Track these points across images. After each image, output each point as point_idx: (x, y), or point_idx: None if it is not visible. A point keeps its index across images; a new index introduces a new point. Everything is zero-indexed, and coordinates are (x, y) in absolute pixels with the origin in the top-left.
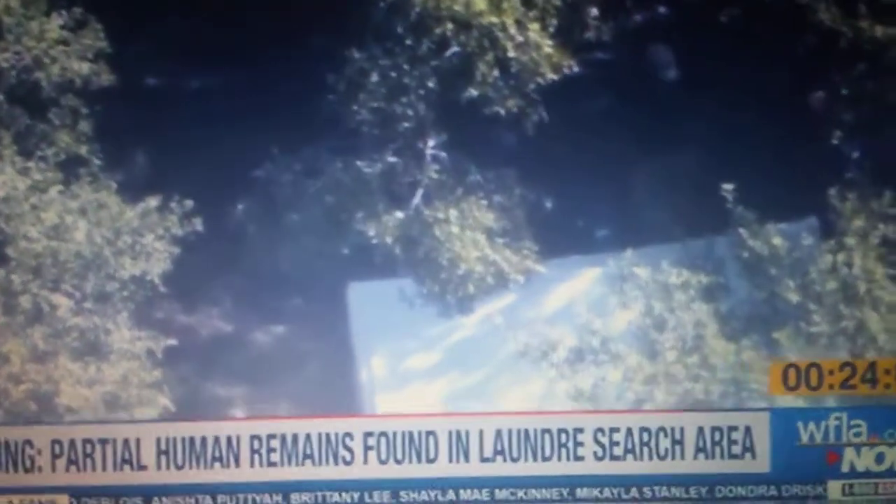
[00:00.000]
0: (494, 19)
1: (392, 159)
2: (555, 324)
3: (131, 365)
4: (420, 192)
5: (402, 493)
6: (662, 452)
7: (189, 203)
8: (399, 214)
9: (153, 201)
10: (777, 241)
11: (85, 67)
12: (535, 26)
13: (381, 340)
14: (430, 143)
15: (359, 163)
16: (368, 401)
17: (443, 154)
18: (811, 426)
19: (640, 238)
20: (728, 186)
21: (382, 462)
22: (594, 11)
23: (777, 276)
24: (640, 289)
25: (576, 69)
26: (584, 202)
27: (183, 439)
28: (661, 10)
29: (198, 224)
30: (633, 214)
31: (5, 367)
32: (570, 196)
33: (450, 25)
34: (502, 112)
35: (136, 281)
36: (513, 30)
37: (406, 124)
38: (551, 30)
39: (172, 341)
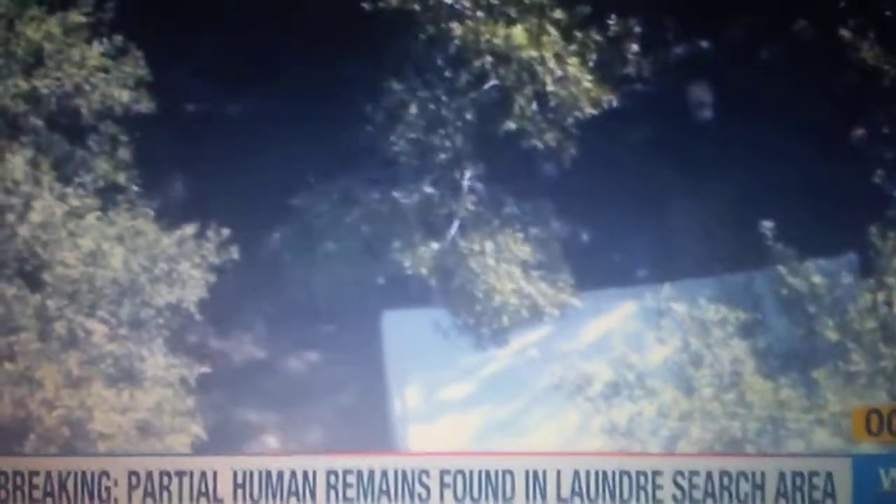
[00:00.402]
0: (534, 53)
1: (429, 190)
2: (590, 357)
3: (165, 392)
4: (456, 224)
5: None
6: (742, 497)
7: (226, 231)
8: (435, 245)
9: (190, 229)
10: (816, 278)
11: (125, 95)
12: (574, 61)
13: (414, 370)
14: (467, 174)
15: (395, 193)
16: (402, 431)
17: (479, 186)
18: (892, 472)
19: (678, 273)
20: (768, 224)
21: (458, 500)
22: (634, 47)
23: (816, 313)
24: (677, 324)
25: (615, 104)
26: (622, 236)
27: (259, 473)
28: (703, 45)
29: (234, 252)
30: (671, 249)
31: (39, 392)
32: (608, 230)
33: (489, 58)
34: (540, 145)
35: (171, 308)
36: (552, 64)
37: (443, 156)
38: (591, 64)
39: (206, 369)
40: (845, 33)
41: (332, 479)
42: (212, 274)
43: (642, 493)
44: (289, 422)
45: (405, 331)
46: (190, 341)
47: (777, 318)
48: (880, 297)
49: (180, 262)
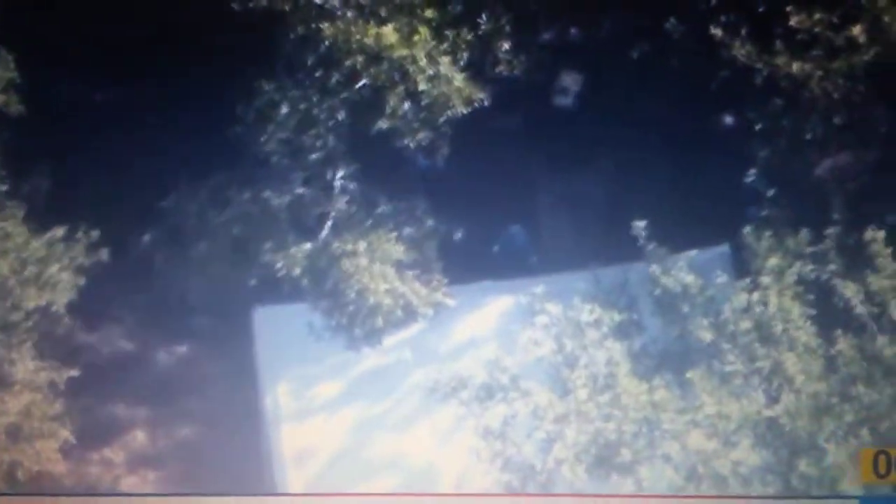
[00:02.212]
0: (405, 52)
1: (300, 190)
2: (464, 358)
3: (34, 396)
4: (329, 224)
5: None
6: None
7: (95, 233)
8: (307, 246)
9: (59, 231)
10: (689, 278)
11: None
12: (445, 59)
13: (286, 367)
14: (340, 174)
15: (267, 193)
16: (274, 427)
17: (352, 185)
18: None
19: (552, 271)
20: (640, 223)
21: None
22: (506, 45)
23: (689, 314)
24: (551, 325)
25: (487, 102)
26: (496, 234)
27: None
28: (574, 42)
29: (104, 254)
30: (544, 247)
31: None
32: (482, 228)
33: (360, 58)
34: (412, 145)
35: (40, 311)
36: (423, 63)
37: (315, 155)
38: (462, 63)
39: (75, 372)
40: (717, 31)
41: None
42: (81, 276)
43: None
44: (158, 417)
45: (277, 327)
46: (59, 344)
47: (652, 318)
48: (755, 297)
49: (50, 265)
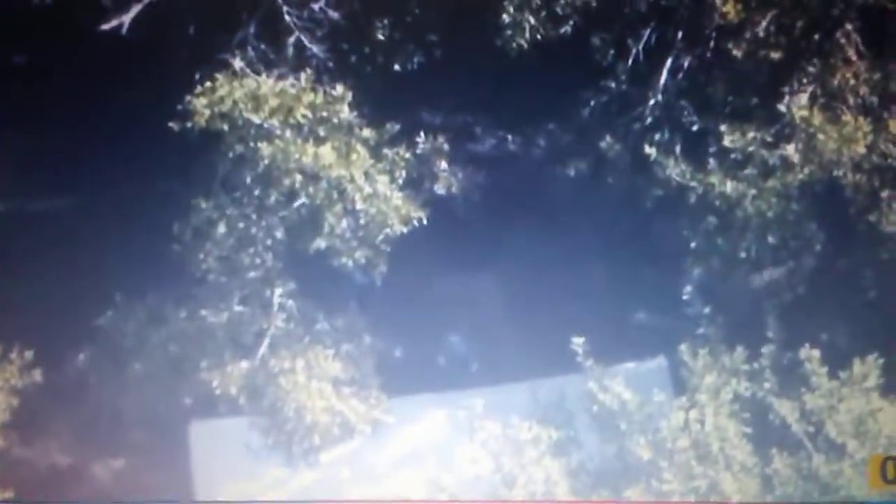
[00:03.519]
0: (343, 171)
1: (238, 308)
2: (403, 475)
3: None
4: (266, 342)
5: None
6: None
7: (29, 353)
8: (244, 364)
9: None
10: (627, 395)
11: None
12: (383, 178)
13: (223, 482)
14: (278, 291)
15: (203, 312)
16: None
17: (290, 302)
18: None
19: (493, 380)
20: (578, 340)
21: None
22: (443, 164)
23: (627, 430)
24: (489, 444)
25: (425, 221)
26: (434, 349)
27: None
28: (512, 158)
29: (37, 375)
30: (486, 357)
31: None
32: (422, 340)
33: (298, 177)
34: (350, 263)
35: None
36: (361, 181)
37: (253, 273)
38: (400, 181)
39: (9, 494)
40: (651, 150)
41: None
42: (14, 397)
43: None
44: None
45: (214, 443)
46: None
47: (589, 434)
48: (692, 414)
49: None
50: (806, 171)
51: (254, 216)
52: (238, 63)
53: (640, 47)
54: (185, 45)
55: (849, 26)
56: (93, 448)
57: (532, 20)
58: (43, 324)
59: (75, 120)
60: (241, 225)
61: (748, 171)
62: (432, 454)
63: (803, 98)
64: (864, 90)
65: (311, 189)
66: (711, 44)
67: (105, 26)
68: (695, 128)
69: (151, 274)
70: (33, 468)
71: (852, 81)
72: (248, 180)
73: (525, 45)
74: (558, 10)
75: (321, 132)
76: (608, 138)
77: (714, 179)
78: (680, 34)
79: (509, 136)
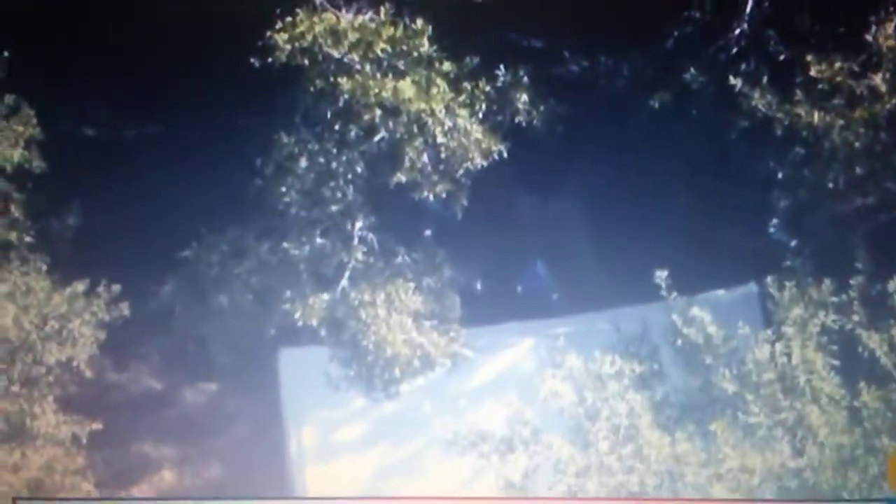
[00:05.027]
0: (423, 105)
1: (319, 241)
2: (484, 409)
3: (56, 451)
4: (347, 275)
5: None
6: None
7: (116, 287)
8: (325, 296)
9: (80, 286)
10: (712, 329)
11: (17, 154)
12: (463, 112)
13: (309, 409)
14: (358, 225)
15: (285, 244)
16: (298, 471)
17: (371, 236)
18: None
19: (575, 308)
20: (661, 273)
21: None
22: (524, 97)
23: (713, 364)
24: (572, 378)
25: (506, 154)
26: (514, 283)
27: None
28: (592, 94)
29: (125, 308)
30: (567, 284)
31: None
32: (502, 271)
33: (378, 111)
34: (431, 197)
35: (62, 366)
36: (441, 115)
37: (334, 207)
38: (480, 115)
39: (97, 425)
40: (736, 81)
41: None
42: (102, 331)
43: None
44: (185, 457)
45: (299, 371)
46: (81, 398)
47: (673, 367)
48: (778, 347)
49: (71, 320)
50: (894, 100)
51: (334, 150)
52: None
53: None
54: None
55: None
56: (182, 374)
57: None
58: (129, 257)
59: (162, 52)
60: (321, 159)
61: (835, 101)
62: (514, 386)
63: (890, 28)
64: None
65: (390, 123)
66: None
67: None
68: (781, 58)
69: (234, 207)
70: (124, 393)
71: None
72: (329, 115)
73: None
74: None
75: (401, 66)
76: (692, 70)
77: (801, 110)
78: None
79: (592, 67)
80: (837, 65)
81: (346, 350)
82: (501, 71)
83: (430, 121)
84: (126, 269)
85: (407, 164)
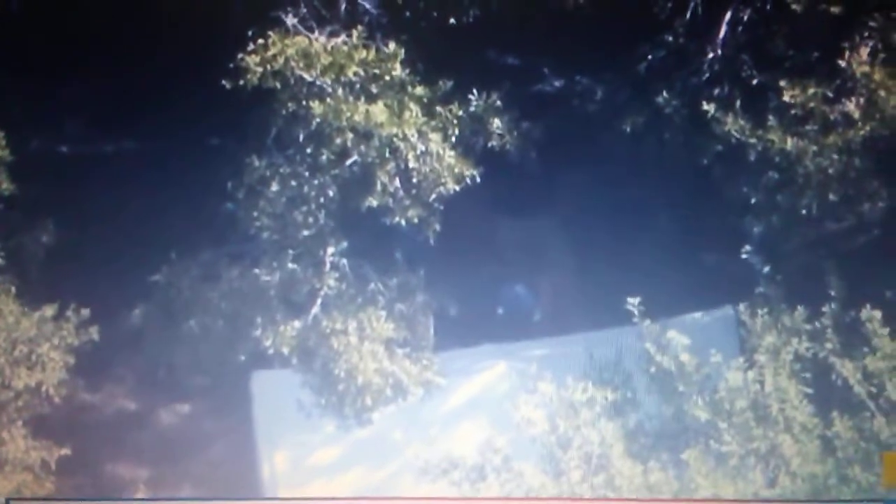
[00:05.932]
0: (395, 129)
1: (291, 266)
2: (456, 436)
3: (24, 477)
4: (319, 302)
5: None
6: None
7: (85, 311)
8: (297, 324)
9: (49, 310)
10: (685, 356)
11: None
12: (436, 137)
13: (283, 434)
14: (330, 250)
15: (257, 270)
16: (272, 495)
17: (343, 261)
18: None
19: (545, 347)
20: (633, 300)
21: None
22: (497, 122)
23: (685, 392)
24: (544, 405)
25: (478, 179)
26: (489, 309)
27: None
28: (566, 118)
29: (94, 333)
30: (543, 316)
31: None
32: (474, 303)
33: (350, 135)
34: (403, 222)
35: (30, 391)
36: (414, 140)
37: (306, 232)
38: (453, 139)
39: (66, 451)
40: (709, 106)
41: None
42: (71, 355)
43: None
44: (160, 477)
45: (269, 396)
46: (50, 423)
47: (646, 395)
48: (751, 375)
49: (40, 344)
50: (868, 127)
51: (306, 174)
52: (290, 20)
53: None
54: (238, 1)
55: None
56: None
57: None
58: (99, 281)
59: (133, 74)
60: (293, 183)
61: (809, 126)
62: (486, 412)
63: (864, 53)
64: None
65: (363, 147)
66: None
67: None
68: (754, 83)
69: (206, 232)
70: (95, 417)
71: None
72: (301, 138)
73: None
74: None
75: (373, 90)
76: (665, 93)
77: (774, 136)
78: None
79: (564, 92)
80: (811, 90)
81: (317, 377)
82: (474, 95)
83: (402, 145)
84: (96, 292)
85: (378, 188)
